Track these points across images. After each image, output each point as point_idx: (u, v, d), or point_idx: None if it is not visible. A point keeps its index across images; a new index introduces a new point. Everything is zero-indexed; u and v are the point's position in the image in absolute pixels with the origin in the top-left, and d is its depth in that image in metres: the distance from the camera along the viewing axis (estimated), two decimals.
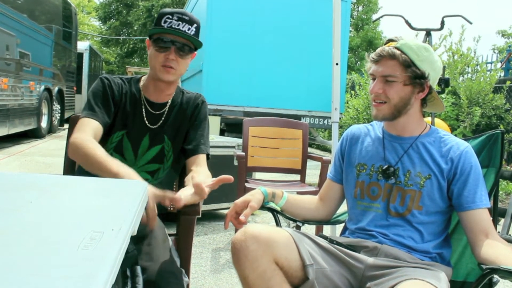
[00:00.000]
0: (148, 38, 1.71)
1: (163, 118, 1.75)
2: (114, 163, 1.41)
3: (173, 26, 1.61)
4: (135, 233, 0.81)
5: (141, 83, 1.78)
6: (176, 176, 1.90)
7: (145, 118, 1.73)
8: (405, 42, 1.47)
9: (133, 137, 1.72)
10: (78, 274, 0.58)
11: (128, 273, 1.21)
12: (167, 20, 1.61)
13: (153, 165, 1.74)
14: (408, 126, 1.56)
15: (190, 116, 1.78)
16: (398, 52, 1.46)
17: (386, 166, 1.55)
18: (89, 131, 1.57)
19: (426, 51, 1.48)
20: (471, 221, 1.44)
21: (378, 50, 1.51)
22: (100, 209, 0.86)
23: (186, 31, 1.62)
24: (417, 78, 1.46)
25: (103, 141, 1.68)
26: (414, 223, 1.49)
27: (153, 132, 1.73)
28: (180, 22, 1.61)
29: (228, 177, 1.39)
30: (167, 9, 1.66)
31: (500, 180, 5.35)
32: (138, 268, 1.24)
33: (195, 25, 1.65)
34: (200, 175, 1.58)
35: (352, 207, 1.64)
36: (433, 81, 1.51)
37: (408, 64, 1.45)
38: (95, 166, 1.43)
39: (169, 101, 1.77)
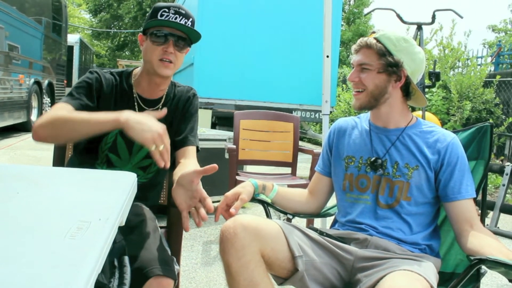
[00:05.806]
0: (141, 33, 1.66)
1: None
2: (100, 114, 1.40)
3: (170, 19, 1.58)
4: (123, 224, 0.80)
5: (133, 78, 1.73)
6: (166, 170, 1.88)
7: None
8: (384, 33, 1.52)
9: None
10: (64, 263, 0.58)
11: (116, 263, 1.20)
12: (163, 13, 1.58)
13: (146, 160, 1.73)
14: (391, 117, 1.58)
15: (181, 109, 1.76)
16: (374, 41, 1.51)
17: (374, 158, 1.56)
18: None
19: (405, 42, 1.51)
20: (457, 211, 1.47)
21: (358, 41, 1.56)
22: (88, 200, 0.86)
23: (183, 24, 1.59)
24: (391, 66, 1.49)
25: (97, 143, 1.65)
26: (403, 214, 1.50)
27: None
28: (177, 16, 1.58)
29: (212, 166, 1.37)
30: (162, 3, 1.62)
31: (489, 173, 5.40)
32: (126, 258, 1.23)
33: (191, 19, 1.62)
34: (189, 167, 1.57)
35: (341, 200, 1.65)
36: (413, 73, 1.52)
37: (383, 53, 1.49)
38: (83, 126, 1.39)
39: (163, 96, 1.74)
